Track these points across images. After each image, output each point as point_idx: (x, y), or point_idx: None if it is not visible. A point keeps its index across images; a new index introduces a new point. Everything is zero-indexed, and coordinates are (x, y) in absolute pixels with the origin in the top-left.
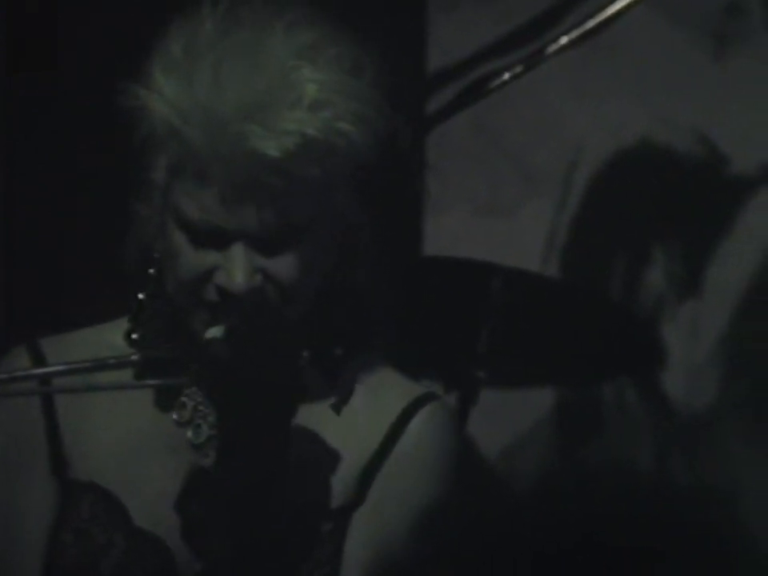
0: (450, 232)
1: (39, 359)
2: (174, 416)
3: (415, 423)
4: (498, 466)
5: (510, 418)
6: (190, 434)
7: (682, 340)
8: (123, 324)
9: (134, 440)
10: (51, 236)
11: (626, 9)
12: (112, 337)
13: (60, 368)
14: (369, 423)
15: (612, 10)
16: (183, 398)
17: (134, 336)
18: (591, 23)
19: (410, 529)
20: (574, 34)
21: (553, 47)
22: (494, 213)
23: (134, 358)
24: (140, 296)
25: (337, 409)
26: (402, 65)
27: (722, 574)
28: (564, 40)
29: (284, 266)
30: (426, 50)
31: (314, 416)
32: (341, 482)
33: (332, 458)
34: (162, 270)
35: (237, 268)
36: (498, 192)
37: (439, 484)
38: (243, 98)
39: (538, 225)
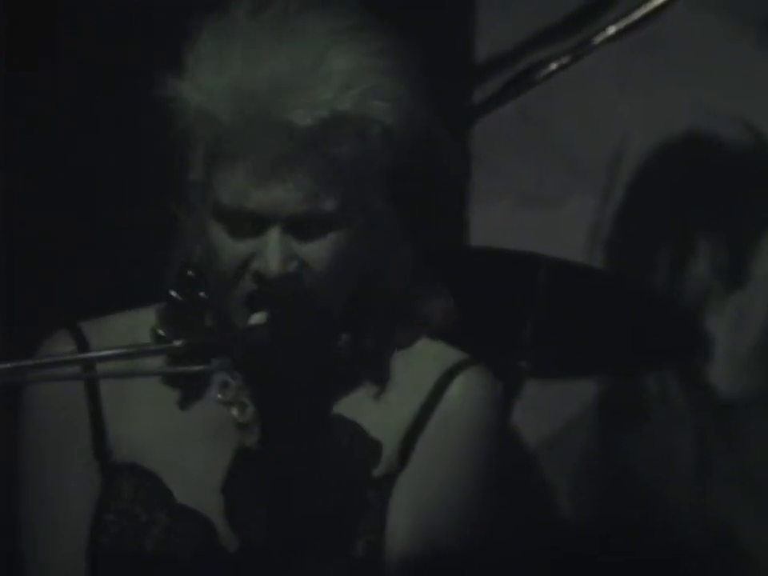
0: (496, 222)
1: (82, 342)
2: (219, 395)
3: (454, 389)
4: (541, 456)
5: (553, 408)
6: (235, 412)
7: (727, 331)
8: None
9: (176, 422)
10: (53, 235)
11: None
12: (151, 318)
13: (102, 353)
14: (408, 391)
15: (658, 0)
16: (227, 378)
17: (159, 332)
18: (638, 13)
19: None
20: (621, 24)
21: (600, 37)
22: (539, 203)
23: (177, 344)
24: (172, 293)
25: (377, 396)
26: (449, 55)
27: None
28: (611, 30)
29: (318, 252)
30: (473, 40)
31: (354, 388)
32: (384, 453)
33: (373, 428)
34: (200, 271)
35: (272, 252)
36: (544, 182)
37: (480, 450)
38: (274, 73)
39: (583, 215)
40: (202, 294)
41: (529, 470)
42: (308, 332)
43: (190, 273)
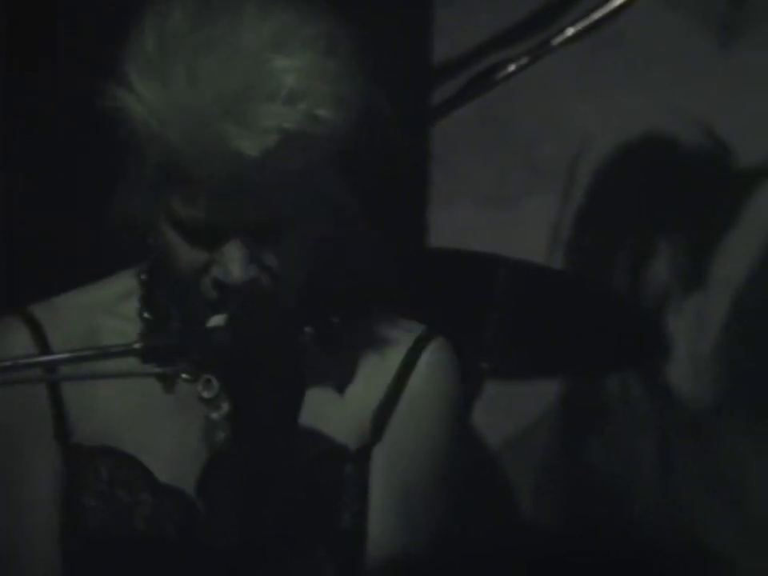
0: (456, 223)
1: (36, 328)
2: (183, 375)
3: (423, 360)
4: (504, 456)
5: (514, 409)
6: (200, 388)
7: (687, 332)
8: (112, 283)
9: (144, 401)
10: (53, 234)
11: (632, 0)
12: (103, 297)
13: (62, 356)
14: (377, 367)
15: (618, 1)
16: (210, 377)
17: (146, 315)
18: (597, 14)
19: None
20: (580, 25)
21: (559, 38)
22: (499, 204)
23: (137, 346)
24: (142, 277)
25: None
26: (407, 55)
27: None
28: (570, 31)
29: (277, 255)
30: (431, 41)
31: (323, 367)
32: (356, 426)
33: (344, 403)
34: (159, 258)
35: (233, 263)
36: (504, 183)
37: (453, 418)
38: (219, 94)
39: (543, 217)
40: (162, 279)
41: (491, 470)
42: (269, 332)
43: (151, 256)
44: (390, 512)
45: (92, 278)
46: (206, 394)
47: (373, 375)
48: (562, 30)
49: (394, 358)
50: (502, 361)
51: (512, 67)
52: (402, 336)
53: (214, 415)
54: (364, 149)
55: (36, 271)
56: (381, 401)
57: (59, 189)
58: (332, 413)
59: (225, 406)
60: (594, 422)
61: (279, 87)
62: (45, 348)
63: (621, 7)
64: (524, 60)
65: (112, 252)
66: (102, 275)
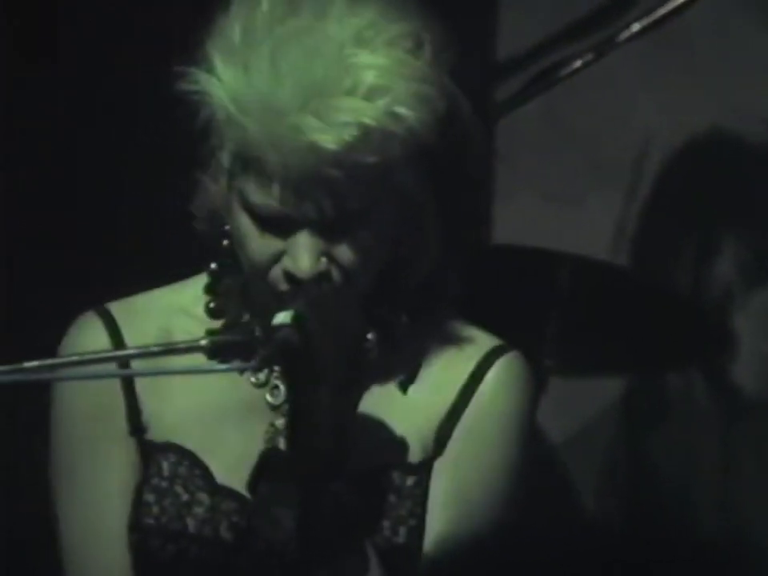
0: (519, 220)
1: (111, 324)
2: (252, 379)
3: (491, 375)
4: (564, 454)
5: (577, 406)
6: (268, 396)
7: (752, 330)
8: (190, 286)
9: (212, 402)
10: (53, 234)
11: None
12: (179, 298)
13: (130, 351)
14: (445, 377)
15: None
16: (278, 383)
17: (212, 305)
18: (663, 10)
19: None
20: (646, 21)
21: (624, 34)
22: (563, 201)
23: (204, 342)
24: (213, 266)
25: (403, 388)
26: (472, 53)
27: None
28: (636, 27)
29: (347, 249)
30: (496, 38)
31: (389, 372)
32: (419, 438)
33: (409, 415)
34: (231, 249)
35: (302, 254)
36: (568, 180)
37: (520, 435)
38: (300, 86)
39: (607, 214)
40: (234, 268)
41: (554, 468)
42: (337, 329)
43: (225, 243)
44: (449, 528)
45: (92, 278)
46: (272, 400)
47: (440, 386)
48: (627, 26)
49: (463, 369)
50: (565, 358)
51: (577, 64)
52: (474, 347)
53: (279, 422)
54: (442, 148)
55: (36, 271)
56: (446, 414)
57: (59, 189)
58: (395, 422)
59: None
60: (657, 420)
61: (360, 82)
62: (120, 345)
63: (686, 3)
64: (589, 56)
65: (111, 251)
66: (104, 274)
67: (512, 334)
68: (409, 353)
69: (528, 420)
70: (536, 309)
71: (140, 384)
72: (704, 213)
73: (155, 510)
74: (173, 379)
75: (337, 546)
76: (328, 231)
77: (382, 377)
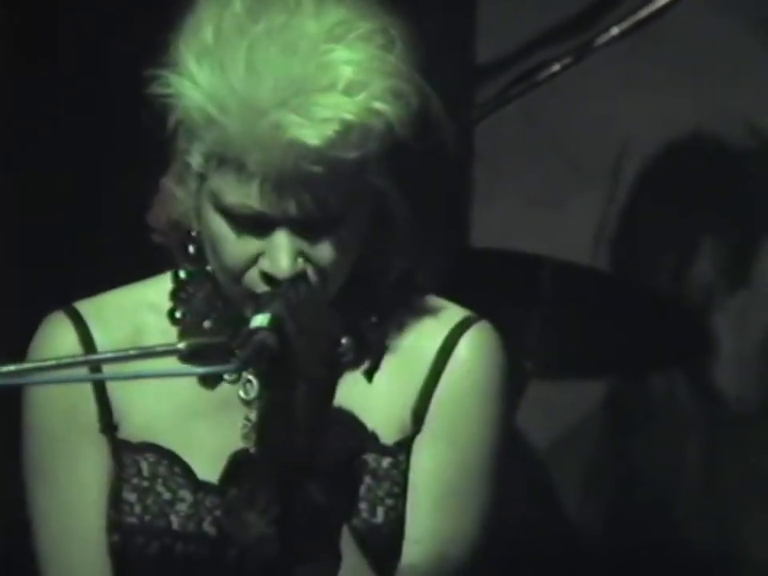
0: (499, 223)
1: (79, 323)
2: (242, 394)
3: (462, 346)
4: (546, 458)
5: (558, 409)
6: (240, 392)
7: (732, 331)
8: (160, 281)
9: (185, 397)
10: (53, 232)
11: None
12: (149, 294)
13: (107, 356)
14: (415, 353)
15: (663, 0)
16: (251, 377)
17: (177, 315)
18: (642, 13)
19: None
20: (625, 24)
21: (603, 38)
22: (543, 204)
23: (181, 346)
24: (181, 274)
25: (368, 376)
26: (452, 55)
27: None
28: (614, 30)
29: (324, 249)
30: (476, 40)
31: (358, 363)
32: (396, 418)
33: (383, 396)
34: (201, 248)
35: (281, 254)
36: (548, 183)
37: (495, 405)
38: (278, 84)
39: (587, 216)
40: (208, 268)
41: (536, 470)
42: (315, 333)
43: (191, 249)
44: (430, 507)
45: (93, 275)
46: (245, 396)
47: (411, 362)
48: (606, 30)
49: (433, 343)
50: (547, 361)
51: (556, 67)
52: (442, 319)
53: (254, 416)
54: (415, 147)
55: (37, 271)
56: (420, 389)
57: (59, 187)
58: (369, 406)
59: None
60: (639, 421)
61: (338, 78)
62: (89, 345)
63: (665, 7)
64: (568, 59)
65: (113, 250)
66: (103, 271)
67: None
68: (376, 334)
69: (503, 388)
70: (517, 312)
71: (110, 384)
72: (684, 214)
73: (137, 508)
74: (144, 379)
75: (311, 546)
76: (306, 231)
77: (351, 364)
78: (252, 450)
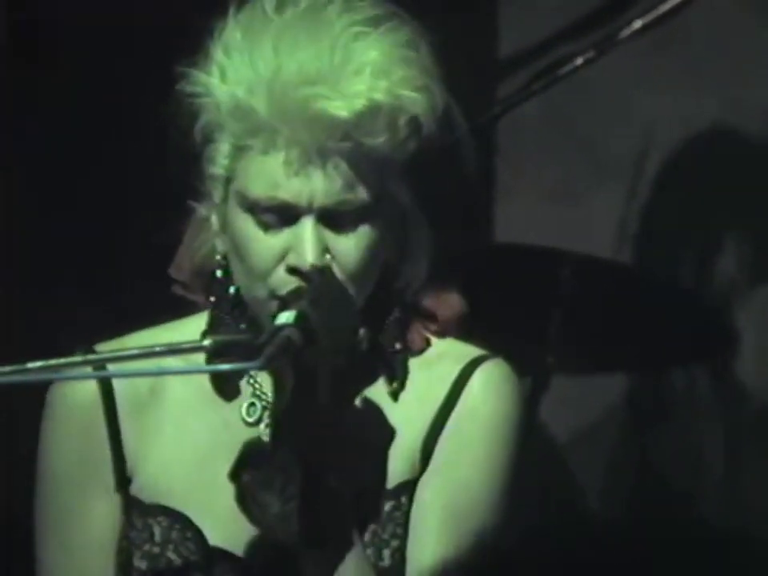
0: (521, 218)
1: (100, 368)
2: (245, 416)
3: (472, 385)
4: (567, 452)
5: (580, 404)
6: (244, 413)
7: (754, 327)
8: (180, 326)
9: (201, 458)
10: (57, 236)
11: None
12: (171, 339)
13: (130, 353)
14: (426, 393)
15: None
16: (255, 400)
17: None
18: (663, 7)
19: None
20: (648, 17)
21: (626, 32)
22: (564, 199)
23: (207, 342)
24: (212, 299)
25: (395, 395)
26: (474, 50)
27: None
28: (637, 24)
29: (350, 245)
30: (497, 35)
31: (373, 397)
32: (403, 458)
33: (392, 436)
34: (228, 270)
35: (307, 243)
36: (570, 179)
37: (503, 445)
38: (306, 66)
39: (609, 211)
40: (231, 290)
41: (557, 465)
42: (341, 328)
43: (218, 274)
44: (439, 539)
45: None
46: (248, 418)
47: (423, 401)
48: (628, 24)
49: (446, 381)
50: (568, 356)
51: (578, 61)
52: (455, 358)
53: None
54: (434, 147)
55: (38, 276)
56: (429, 427)
57: (63, 190)
58: (382, 444)
59: (269, 428)
60: (660, 417)
61: (365, 64)
62: (108, 391)
63: (686, 1)
64: (590, 54)
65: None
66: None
67: (515, 332)
68: (391, 365)
69: (516, 425)
70: (538, 307)
71: (127, 432)
72: (705, 209)
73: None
74: (161, 425)
75: (326, 531)
76: (332, 224)
77: (369, 393)
78: (265, 439)
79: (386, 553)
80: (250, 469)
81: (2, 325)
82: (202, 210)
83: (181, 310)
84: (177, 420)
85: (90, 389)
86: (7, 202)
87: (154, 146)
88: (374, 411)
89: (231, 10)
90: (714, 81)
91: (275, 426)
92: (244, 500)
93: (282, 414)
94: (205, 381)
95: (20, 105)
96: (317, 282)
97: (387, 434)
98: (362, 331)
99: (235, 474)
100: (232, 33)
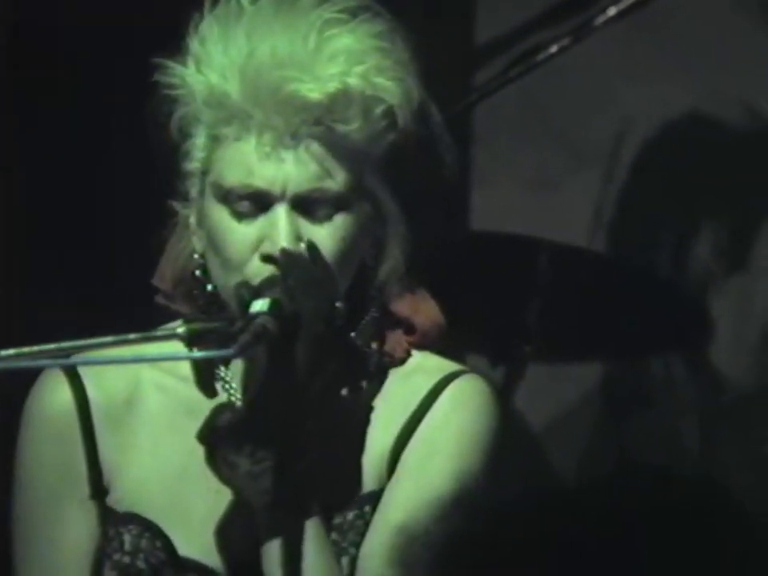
0: (498, 206)
1: (75, 380)
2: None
3: (443, 398)
4: (544, 441)
5: (556, 392)
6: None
7: (730, 315)
8: (158, 336)
9: (177, 467)
10: (52, 234)
11: None
12: (148, 350)
13: (110, 339)
14: (400, 405)
15: None
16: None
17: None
18: None
19: (436, 504)
20: (622, 4)
21: (601, 18)
22: (541, 187)
23: (181, 330)
24: (209, 287)
25: (367, 401)
26: (450, 37)
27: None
28: (612, 11)
29: (325, 235)
30: (474, 22)
31: (345, 407)
32: (370, 468)
33: (366, 442)
34: (206, 268)
35: (281, 230)
36: (546, 166)
37: (468, 457)
38: (279, 50)
39: (585, 199)
40: (208, 288)
41: (533, 454)
42: (316, 316)
43: (197, 273)
44: (381, 557)
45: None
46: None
47: (393, 416)
48: (603, 10)
49: (418, 394)
50: (545, 344)
51: (554, 48)
52: (427, 376)
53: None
54: (411, 148)
55: (37, 271)
56: (397, 437)
57: (60, 188)
58: (352, 452)
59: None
60: (637, 405)
61: (338, 51)
62: (83, 400)
63: None
64: (566, 41)
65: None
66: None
67: (491, 320)
68: (366, 369)
69: (486, 436)
70: (515, 295)
71: (103, 444)
72: (682, 197)
73: None
74: (138, 437)
75: (295, 501)
76: (306, 212)
77: (345, 408)
78: (238, 404)
79: (345, 560)
80: (221, 431)
81: (1, 324)
82: (181, 209)
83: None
84: (153, 432)
85: (65, 398)
86: (7, 201)
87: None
88: (349, 412)
89: (207, 5)
90: (690, 68)
91: (246, 405)
92: (213, 460)
93: (254, 398)
94: (181, 393)
95: (20, 105)
96: (288, 266)
97: (359, 438)
98: (338, 304)
99: (204, 435)
100: (208, 25)
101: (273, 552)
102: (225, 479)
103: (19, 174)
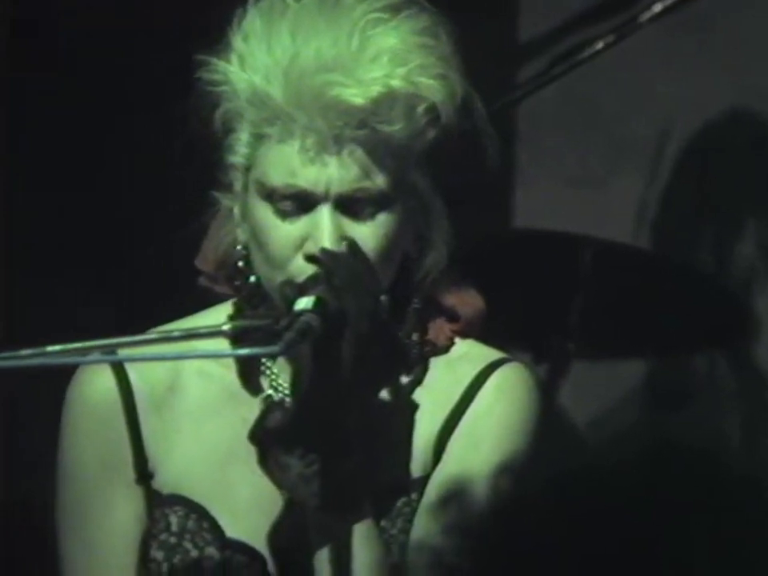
0: (541, 204)
1: (118, 367)
2: (270, 392)
3: (488, 387)
4: (588, 437)
5: (599, 389)
6: (259, 403)
7: None
8: (199, 320)
9: (221, 452)
10: (62, 236)
11: None
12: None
13: (153, 336)
14: (445, 393)
15: None
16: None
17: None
18: None
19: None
20: (667, 1)
21: (645, 15)
22: (585, 184)
23: (226, 327)
24: (239, 264)
25: (411, 390)
26: (494, 34)
27: None
28: (657, 7)
29: (369, 234)
30: (517, 20)
31: (389, 398)
32: (417, 455)
33: (411, 432)
34: (249, 260)
35: (324, 230)
36: (589, 163)
37: (513, 445)
38: (323, 53)
39: (628, 196)
40: (251, 279)
41: (576, 451)
42: (361, 313)
43: (240, 264)
44: (440, 539)
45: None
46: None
47: (437, 404)
48: (648, 7)
49: (462, 383)
50: (588, 341)
51: (599, 45)
52: (471, 364)
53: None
54: (453, 136)
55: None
56: (441, 427)
57: (61, 188)
58: (398, 440)
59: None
60: (680, 402)
61: (382, 51)
62: (127, 388)
63: None
64: (610, 38)
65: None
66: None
67: (534, 318)
68: (408, 360)
69: (528, 426)
70: (558, 292)
71: (147, 430)
72: (725, 194)
73: (165, 567)
74: (181, 422)
75: (346, 503)
76: (349, 212)
77: (391, 401)
78: (287, 402)
79: (395, 548)
80: (272, 432)
81: (1, 324)
82: (224, 200)
83: (182, 309)
84: (196, 418)
85: (108, 386)
86: (7, 201)
87: (153, 144)
88: (393, 405)
89: (250, 4)
90: (734, 65)
91: (301, 387)
92: (266, 462)
93: (302, 398)
94: (223, 379)
95: (20, 105)
96: (332, 265)
97: (406, 428)
98: (383, 298)
99: (256, 436)
100: (251, 20)
101: (323, 552)
102: (277, 481)
103: (18, 174)
